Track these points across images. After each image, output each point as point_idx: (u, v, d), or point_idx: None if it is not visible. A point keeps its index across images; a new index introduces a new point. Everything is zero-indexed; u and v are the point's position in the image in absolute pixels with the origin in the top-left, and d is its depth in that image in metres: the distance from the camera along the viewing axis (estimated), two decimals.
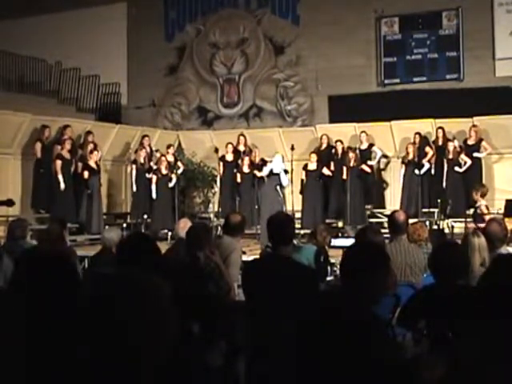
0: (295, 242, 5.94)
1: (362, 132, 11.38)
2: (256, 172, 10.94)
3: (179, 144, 13.21)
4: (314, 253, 5.61)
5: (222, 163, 11.64)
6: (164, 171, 11.09)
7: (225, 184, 11.61)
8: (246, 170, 11.28)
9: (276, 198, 9.25)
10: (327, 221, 10.77)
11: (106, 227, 9.20)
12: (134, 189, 11.12)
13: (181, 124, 15.02)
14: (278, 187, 9.48)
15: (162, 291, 1.35)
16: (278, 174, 9.35)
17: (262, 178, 10.45)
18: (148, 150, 11.55)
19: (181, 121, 15.13)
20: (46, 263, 1.86)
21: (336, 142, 11.37)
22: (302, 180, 11.13)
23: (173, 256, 5.05)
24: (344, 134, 11.72)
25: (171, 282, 1.43)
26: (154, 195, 11.05)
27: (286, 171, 9.63)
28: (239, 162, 11.60)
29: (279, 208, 9.01)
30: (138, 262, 2.58)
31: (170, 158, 11.47)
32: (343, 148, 11.24)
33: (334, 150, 11.38)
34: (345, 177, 10.75)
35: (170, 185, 11.07)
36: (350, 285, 2.33)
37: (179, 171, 11.49)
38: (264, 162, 11.13)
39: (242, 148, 11.91)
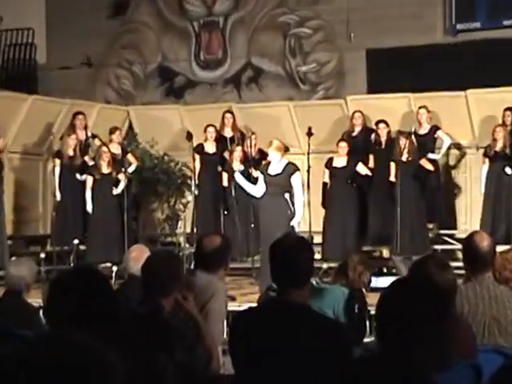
0: (314, 281, 5.84)
1: (421, 107, 11.36)
2: (253, 171, 10.89)
3: (130, 126, 13.20)
4: (343, 299, 5.71)
5: (198, 157, 11.60)
6: (106, 169, 11.09)
7: (203, 189, 11.58)
8: (236, 167, 11.19)
9: (283, 211, 9.27)
10: (364, 248, 10.77)
11: (13, 259, 9.14)
12: (58, 197, 11.15)
13: (133, 95, 14.98)
14: (287, 195, 9.49)
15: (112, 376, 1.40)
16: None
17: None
18: (82, 135, 11.57)
19: (133, 90, 15.11)
20: None
21: (378, 123, 11.33)
22: (325, 184, 11.10)
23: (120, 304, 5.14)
24: (391, 110, 11.69)
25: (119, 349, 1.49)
26: (89, 207, 11.09)
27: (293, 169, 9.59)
28: (226, 154, 11.57)
29: (288, 228, 9.02)
30: (83, 321, 2.62)
31: (116, 149, 11.45)
32: (389, 132, 11.19)
33: (374, 136, 11.36)
34: (393, 178, 10.70)
35: (116, 191, 11.11)
36: (392, 346, 2.37)
37: (130, 169, 11.48)
38: (263, 155, 11.08)
39: (229, 133, 11.86)
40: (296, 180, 9.39)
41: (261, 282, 8.79)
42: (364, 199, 11.19)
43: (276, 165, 9.39)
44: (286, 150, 9.97)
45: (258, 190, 9.50)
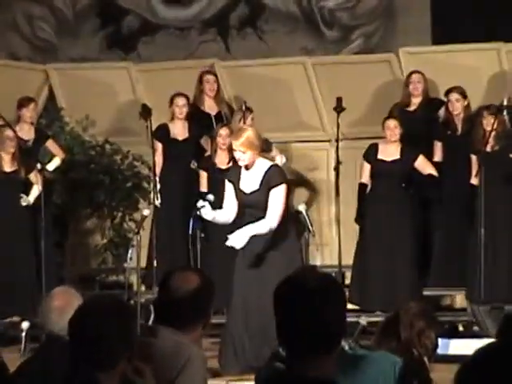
0: (347, 345, 5.57)
1: None
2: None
3: (50, 96, 13.40)
4: (394, 373, 5.32)
5: (161, 146, 12.27)
6: (9, 167, 11.56)
7: (169, 198, 12.22)
8: (220, 161, 11.56)
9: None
10: (426, 292, 11.22)
11: None
12: None
13: (55, 46, 15.37)
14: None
15: None
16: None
17: None
18: None
19: (55, 38, 15.45)
20: None
21: (450, 91, 11.67)
22: (364, 186, 11.57)
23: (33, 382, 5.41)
24: (471, 71, 11.92)
25: None
26: None
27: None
28: (203, 142, 12.24)
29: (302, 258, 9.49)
30: None
31: (27, 133, 12.05)
32: (468, 107, 11.55)
33: (444, 113, 11.68)
34: (474, 180, 10.97)
35: (27, 201, 11.60)
36: None
37: (50, 166, 11.93)
38: (268, 146, 11.16)
39: (211, 107, 12.50)
40: (277, 195, 9.34)
41: (259, 347, 9.23)
42: (427, 213, 11.33)
43: (248, 174, 9.43)
44: (266, 149, 10.07)
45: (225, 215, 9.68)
